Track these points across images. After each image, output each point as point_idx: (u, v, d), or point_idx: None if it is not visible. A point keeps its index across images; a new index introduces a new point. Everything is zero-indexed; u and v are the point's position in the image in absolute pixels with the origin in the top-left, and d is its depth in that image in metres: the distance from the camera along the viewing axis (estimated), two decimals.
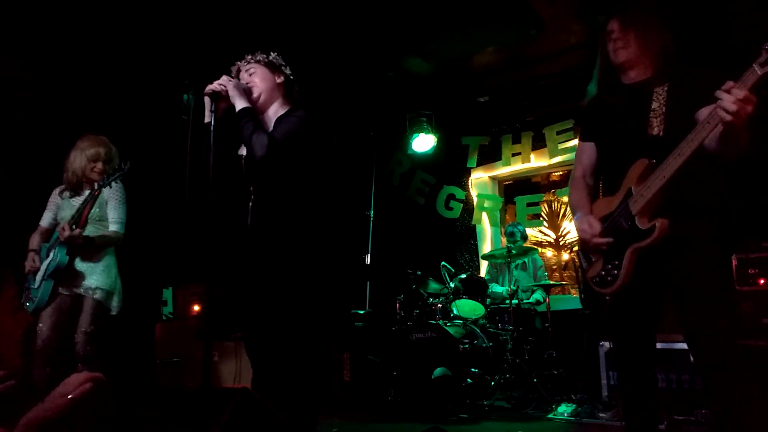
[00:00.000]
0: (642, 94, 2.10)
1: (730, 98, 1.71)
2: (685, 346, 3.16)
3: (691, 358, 3.41)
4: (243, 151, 2.48)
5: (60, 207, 3.43)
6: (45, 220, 3.48)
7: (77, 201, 3.37)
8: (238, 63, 2.56)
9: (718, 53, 4.06)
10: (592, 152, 2.28)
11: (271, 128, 2.40)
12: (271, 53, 2.58)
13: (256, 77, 2.50)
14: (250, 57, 2.55)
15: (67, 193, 3.43)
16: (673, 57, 2.10)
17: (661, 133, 2.00)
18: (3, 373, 1.42)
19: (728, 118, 1.72)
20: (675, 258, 1.95)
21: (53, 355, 3.16)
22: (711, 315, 1.87)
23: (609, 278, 2.06)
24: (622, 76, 2.20)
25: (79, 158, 3.37)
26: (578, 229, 2.19)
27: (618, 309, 2.14)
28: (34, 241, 3.43)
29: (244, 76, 2.53)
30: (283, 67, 2.57)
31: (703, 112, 1.89)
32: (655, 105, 2.04)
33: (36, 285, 3.26)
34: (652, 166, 1.96)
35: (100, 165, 3.37)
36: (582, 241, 2.18)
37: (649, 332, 2.11)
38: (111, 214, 3.38)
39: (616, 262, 2.03)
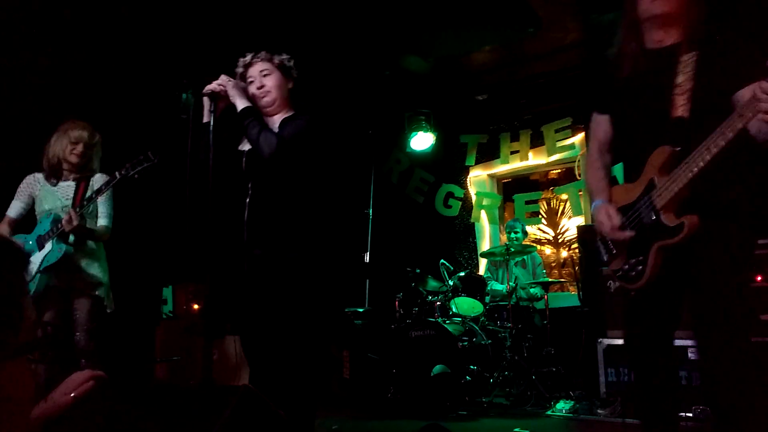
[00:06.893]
0: (666, 64, 1.79)
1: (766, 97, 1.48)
2: (683, 342, 3.17)
3: (690, 354, 3.43)
4: (244, 147, 2.47)
5: (39, 196, 3.22)
6: (14, 210, 3.22)
7: (63, 189, 3.20)
8: (249, 55, 2.47)
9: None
10: (608, 126, 2.03)
11: (275, 130, 2.40)
12: (283, 54, 2.51)
13: (270, 81, 2.44)
14: (264, 54, 2.46)
15: (46, 181, 3.23)
16: (707, 22, 1.77)
17: (686, 114, 1.72)
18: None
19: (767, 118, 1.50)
20: (698, 258, 1.78)
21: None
22: (728, 313, 1.73)
23: (633, 273, 1.88)
24: (647, 36, 1.87)
25: (60, 140, 3.20)
26: (596, 220, 1.98)
27: (640, 305, 1.96)
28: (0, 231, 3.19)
29: (254, 73, 2.45)
30: (293, 71, 2.53)
31: (744, 94, 1.63)
32: (681, 79, 1.74)
33: (29, 279, 3.04)
34: (675, 155, 1.72)
35: (80, 147, 3.19)
36: (600, 232, 1.99)
37: (670, 329, 1.96)
38: (100, 207, 3.23)
39: (641, 258, 1.85)
